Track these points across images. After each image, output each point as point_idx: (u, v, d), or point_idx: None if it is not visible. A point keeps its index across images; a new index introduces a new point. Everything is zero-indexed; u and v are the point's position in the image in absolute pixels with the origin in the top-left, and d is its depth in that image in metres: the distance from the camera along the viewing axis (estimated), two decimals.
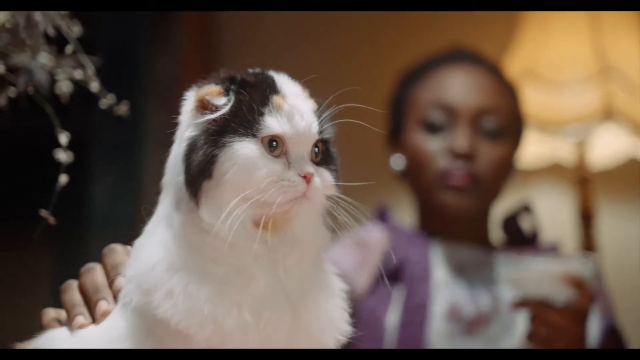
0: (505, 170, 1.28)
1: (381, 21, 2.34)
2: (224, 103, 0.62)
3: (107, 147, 2.10)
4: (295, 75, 0.69)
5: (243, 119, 0.61)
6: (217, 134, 0.61)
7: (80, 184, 2.08)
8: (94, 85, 0.74)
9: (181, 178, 0.62)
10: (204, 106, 0.62)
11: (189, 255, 0.62)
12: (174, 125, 0.67)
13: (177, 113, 0.69)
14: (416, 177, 1.28)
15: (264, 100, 0.63)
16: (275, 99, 0.63)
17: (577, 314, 1.09)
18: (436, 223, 1.28)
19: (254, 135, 0.61)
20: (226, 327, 0.60)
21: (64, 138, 0.70)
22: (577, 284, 1.05)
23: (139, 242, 0.67)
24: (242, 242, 0.61)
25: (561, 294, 1.07)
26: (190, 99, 0.65)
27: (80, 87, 0.84)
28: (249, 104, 0.62)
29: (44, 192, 0.88)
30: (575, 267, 1.07)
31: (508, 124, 1.29)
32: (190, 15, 2.29)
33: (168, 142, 0.66)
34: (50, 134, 0.85)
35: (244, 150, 0.60)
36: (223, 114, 0.61)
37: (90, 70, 0.72)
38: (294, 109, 0.63)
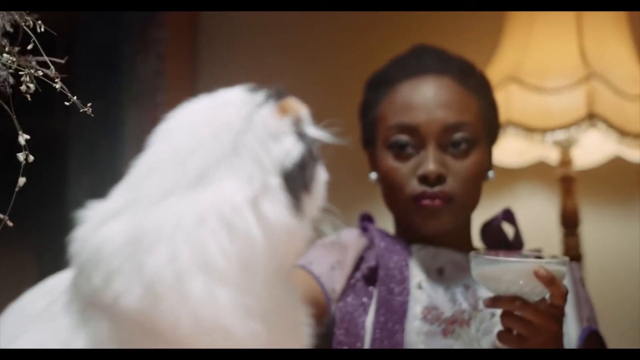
0: (479, 179, 1.26)
1: (364, 24, 2.34)
2: (313, 125, 0.65)
3: (88, 149, 2.08)
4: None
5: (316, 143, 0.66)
6: (315, 154, 0.64)
7: (61, 186, 2.07)
8: (58, 85, 0.72)
9: (278, 181, 0.61)
10: (298, 119, 0.63)
11: (234, 259, 0.58)
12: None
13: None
14: (389, 198, 1.27)
15: None
16: None
17: (551, 311, 1.07)
18: (414, 236, 1.27)
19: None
20: (237, 337, 0.58)
21: (22, 139, 0.68)
22: (550, 280, 1.04)
23: (146, 232, 0.58)
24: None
25: (534, 291, 1.06)
26: (268, 105, 0.64)
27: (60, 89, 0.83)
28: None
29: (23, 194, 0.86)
30: (548, 265, 1.05)
31: (479, 132, 1.26)
32: (174, 18, 2.27)
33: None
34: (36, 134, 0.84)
35: (324, 173, 0.66)
36: (316, 137, 0.64)
37: (53, 69, 0.70)
38: None
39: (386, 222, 1.37)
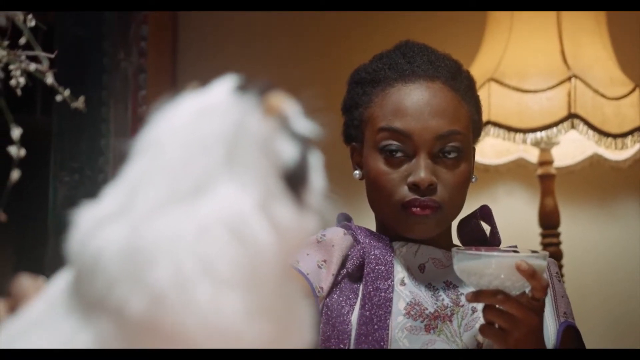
0: (466, 186, 1.27)
1: (345, 23, 2.35)
2: (302, 118, 0.61)
3: (69, 145, 2.07)
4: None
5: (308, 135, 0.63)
6: (308, 148, 0.61)
7: (42, 182, 2.06)
8: (49, 79, 0.72)
9: (279, 184, 0.59)
10: (278, 114, 0.60)
11: (242, 266, 0.56)
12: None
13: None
14: (376, 201, 1.27)
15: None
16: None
17: (532, 304, 1.09)
18: (396, 236, 1.28)
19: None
20: (247, 339, 0.56)
21: (16, 133, 0.68)
22: (532, 274, 1.06)
23: (145, 243, 0.56)
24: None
25: (515, 285, 1.08)
26: (250, 103, 0.60)
27: (41, 85, 0.83)
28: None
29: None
30: (529, 259, 1.07)
31: (469, 140, 1.27)
32: (156, 14, 2.27)
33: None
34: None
35: (318, 162, 0.62)
36: (306, 130, 0.61)
37: (46, 63, 0.70)
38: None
39: (363, 219, 1.38)
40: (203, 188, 0.58)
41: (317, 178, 0.61)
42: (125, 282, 0.55)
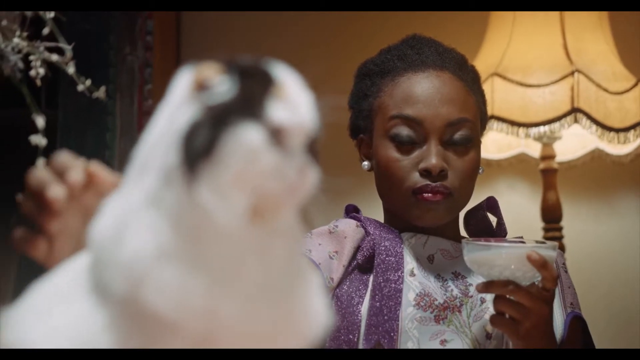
0: (475, 174, 1.29)
1: (349, 20, 2.35)
2: (226, 85, 0.58)
3: (75, 139, 2.09)
4: None
5: (247, 104, 0.58)
6: (221, 117, 0.57)
7: None
8: (71, 69, 0.73)
9: (175, 158, 0.57)
10: (202, 86, 0.58)
11: (183, 242, 0.57)
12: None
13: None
14: (386, 189, 1.28)
15: (269, 88, 0.60)
16: (280, 86, 0.60)
17: (542, 295, 1.11)
18: (406, 226, 1.29)
19: (258, 123, 0.58)
20: (221, 320, 0.57)
21: (40, 122, 0.69)
22: (543, 264, 1.07)
23: (116, 222, 0.59)
24: (240, 230, 0.58)
25: (525, 275, 1.09)
26: (186, 78, 0.60)
27: (45, 78, 0.84)
28: (253, 89, 0.59)
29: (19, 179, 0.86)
30: (540, 250, 1.09)
31: (477, 129, 1.29)
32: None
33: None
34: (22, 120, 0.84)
35: (248, 136, 0.57)
36: (227, 97, 0.58)
37: (69, 54, 0.71)
38: (298, 99, 0.60)
39: (369, 212, 1.39)
40: (142, 169, 0.60)
41: (228, 152, 0.57)
42: (108, 265, 0.58)
